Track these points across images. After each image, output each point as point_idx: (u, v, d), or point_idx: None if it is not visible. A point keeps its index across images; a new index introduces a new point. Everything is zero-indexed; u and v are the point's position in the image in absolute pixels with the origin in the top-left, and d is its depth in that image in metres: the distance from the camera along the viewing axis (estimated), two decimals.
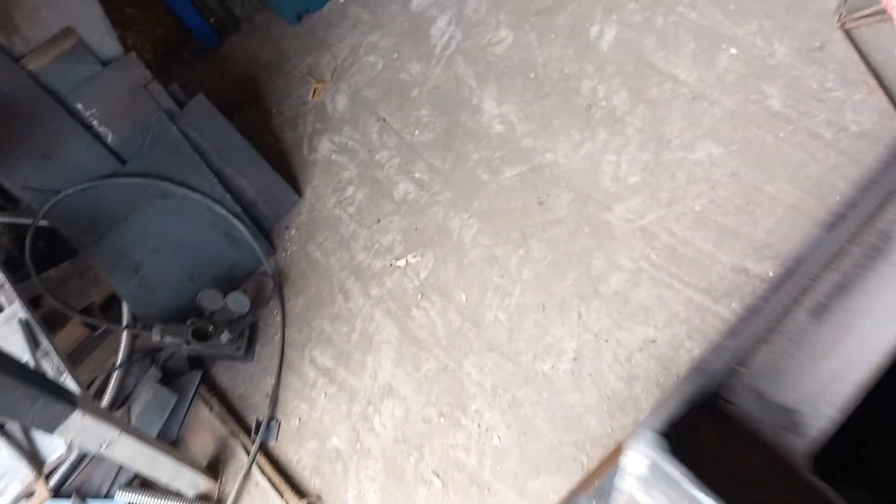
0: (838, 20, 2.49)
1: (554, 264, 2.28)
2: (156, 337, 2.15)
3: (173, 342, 2.15)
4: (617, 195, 2.36)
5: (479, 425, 2.10)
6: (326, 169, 2.62)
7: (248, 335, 2.26)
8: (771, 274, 2.15)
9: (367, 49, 2.85)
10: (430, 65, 2.74)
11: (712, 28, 2.60)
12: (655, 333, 2.13)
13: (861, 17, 2.46)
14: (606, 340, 2.15)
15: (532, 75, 2.63)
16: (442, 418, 2.12)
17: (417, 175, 2.53)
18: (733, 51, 2.55)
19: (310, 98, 2.79)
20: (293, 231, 2.54)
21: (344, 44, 2.88)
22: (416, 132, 2.61)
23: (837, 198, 2.22)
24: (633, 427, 2.02)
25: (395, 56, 2.80)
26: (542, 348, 2.17)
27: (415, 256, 2.38)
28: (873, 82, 2.35)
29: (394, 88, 2.72)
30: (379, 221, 2.47)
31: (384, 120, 2.66)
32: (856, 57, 2.42)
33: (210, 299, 2.20)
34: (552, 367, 2.14)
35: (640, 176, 2.37)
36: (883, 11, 2.36)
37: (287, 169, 2.62)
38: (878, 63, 2.40)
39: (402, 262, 2.38)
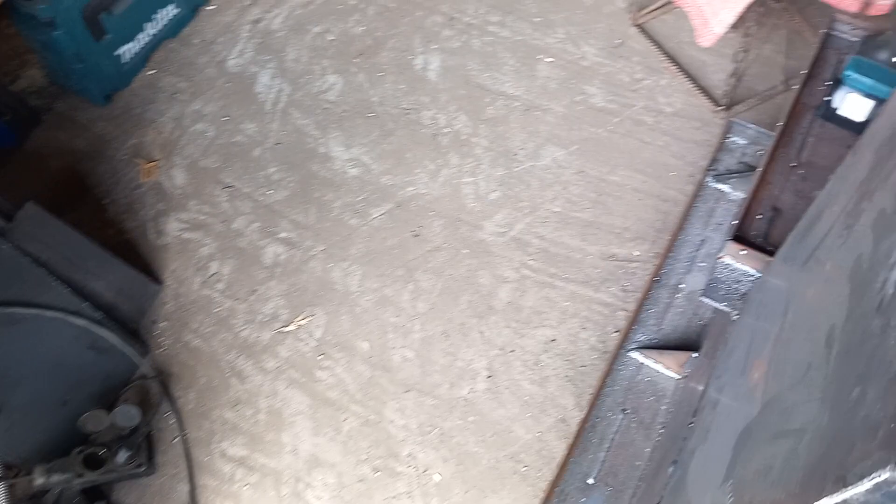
0: (630, 18, 2.78)
1: (445, 291, 2.31)
2: (39, 480, 1.89)
3: (62, 479, 1.90)
4: (483, 213, 2.44)
5: (415, 468, 2.07)
6: (181, 250, 2.46)
7: (145, 447, 2.05)
8: (636, 253, 2.34)
9: (192, 118, 2.72)
10: (265, 122, 2.67)
11: (525, 41, 2.79)
12: (553, 332, 2.24)
13: (648, 13, 2.76)
14: (512, 351, 2.22)
15: (372, 115, 2.66)
16: (377, 473, 2.07)
17: (283, 234, 2.45)
18: (549, 59, 2.75)
19: (142, 180, 2.60)
20: (163, 324, 2.35)
21: (166, 117, 2.73)
22: (270, 192, 2.53)
23: (672, 173, 2.47)
24: (557, 423, 2.11)
25: (226, 119, 2.70)
26: (455, 375, 2.19)
27: (303, 318, 2.30)
28: (673, 67, 2.65)
29: (233, 152, 2.62)
30: (255, 291, 2.36)
31: (232, 186, 2.55)
32: (653, 47, 2.72)
33: (94, 420, 1.98)
34: (470, 391, 2.17)
35: (499, 191, 2.48)
36: (667, 3, 2.67)
37: (139, 260, 2.43)
38: (672, 49, 2.71)
39: (291, 328, 2.30)
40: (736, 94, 2.54)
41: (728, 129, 2.09)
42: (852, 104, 1.45)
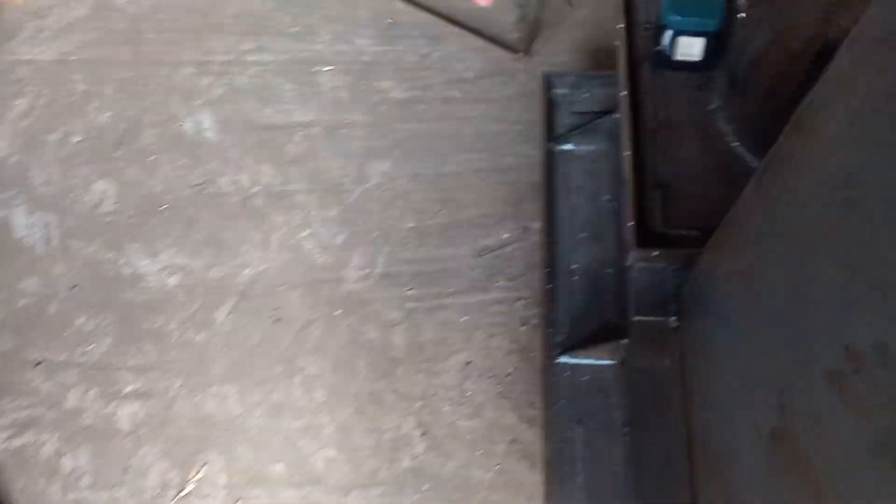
0: None
1: (337, 366, 2.06)
2: None
3: None
4: (337, 262, 2.18)
5: None
6: (19, 462, 2.01)
7: None
8: (505, 236, 2.19)
9: None
10: (46, 269, 2.21)
11: (293, 58, 2.48)
12: (465, 355, 2.07)
13: None
14: (434, 395, 2.03)
15: (164, 208, 2.27)
16: None
17: (129, 388, 2.06)
18: (327, 68, 2.46)
19: None
20: None
21: None
22: (90, 347, 2.11)
23: (502, 140, 2.31)
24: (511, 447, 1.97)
25: None
26: (389, 450, 1.97)
27: (197, 472, 1.97)
28: (456, 28, 2.46)
29: (25, 321, 2.15)
30: (128, 468, 1.99)
31: (42, 361, 2.10)
32: (424, 14, 2.50)
33: None
34: (412, 458, 1.97)
35: (343, 232, 2.22)
36: None
37: None
38: (447, 10, 2.51)
39: (189, 488, 1.96)
40: (529, 35, 2.40)
41: (547, 84, 1.95)
42: (685, 46, 1.33)
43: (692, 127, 1.31)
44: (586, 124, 1.84)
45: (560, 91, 1.94)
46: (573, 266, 1.78)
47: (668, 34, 1.32)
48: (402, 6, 2.53)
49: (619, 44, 1.41)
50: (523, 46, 2.37)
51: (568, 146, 1.89)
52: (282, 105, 2.41)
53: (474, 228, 2.20)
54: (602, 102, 1.96)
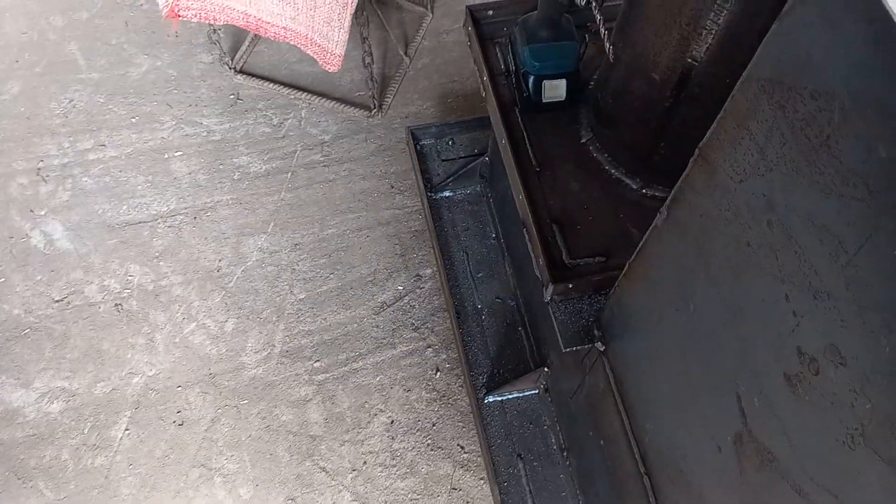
0: (230, 68, 2.49)
1: (257, 457, 1.97)
2: None
3: None
4: (232, 350, 2.10)
5: None
6: None
7: None
8: (400, 288, 2.21)
9: None
10: None
11: (139, 149, 2.36)
12: (386, 415, 2.05)
13: (243, 55, 2.50)
14: (364, 463, 2.00)
15: (27, 331, 2.07)
16: None
17: None
18: (178, 153, 2.37)
19: None
20: None
21: None
22: None
23: (374, 196, 2.34)
24: (451, 495, 1.98)
25: None
26: None
27: None
28: (303, 94, 2.46)
29: None
30: None
31: None
32: (268, 85, 2.49)
33: None
34: None
35: (231, 320, 2.13)
36: (255, 38, 2.43)
37: None
38: (289, 76, 2.51)
39: None
40: (378, 90, 2.45)
41: (413, 138, 2.01)
42: (551, 89, 1.43)
43: (571, 161, 1.42)
44: (459, 171, 1.91)
45: (426, 142, 2.00)
46: (479, 305, 1.83)
47: (532, 80, 1.41)
48: (243, 80, 2.49)
49: (486, 94, 1.49)
50: (375, 102, 2.42)
51: (446, 193, 1.95)
52: (137, 199, 2.28)
53: (368, 286, 2.20)
54: (467, 147, 2.04)
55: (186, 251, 2.22)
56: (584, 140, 1.45)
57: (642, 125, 1.28)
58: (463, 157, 2.03)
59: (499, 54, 1.55)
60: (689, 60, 1.12)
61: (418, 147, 2.01)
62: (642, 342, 1.09)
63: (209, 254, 2.22)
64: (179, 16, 2.05)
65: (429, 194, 1.97)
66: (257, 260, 2.22)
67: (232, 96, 2.48)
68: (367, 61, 2.24)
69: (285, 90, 2.47)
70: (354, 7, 1.94)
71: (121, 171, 2.32)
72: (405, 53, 2.57)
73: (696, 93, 1.15)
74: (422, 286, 2.20)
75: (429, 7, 2.67)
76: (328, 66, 2.07)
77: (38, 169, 2.30)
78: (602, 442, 1.33)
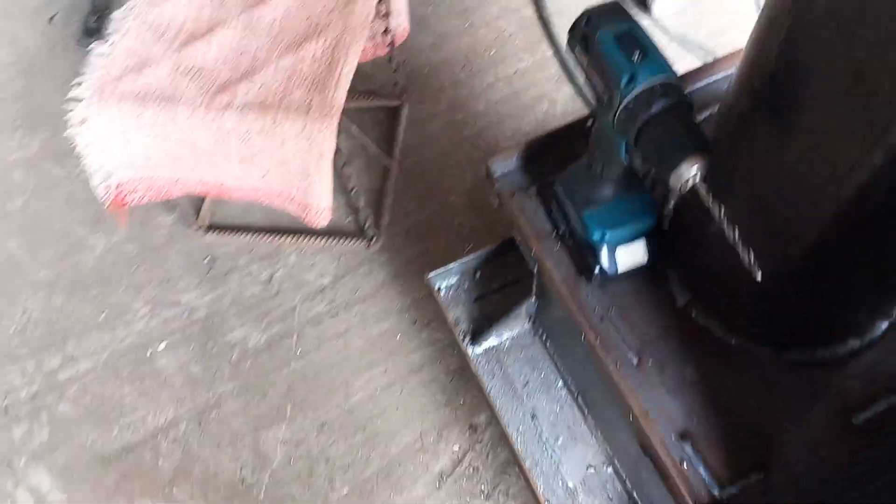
0: (196, 229, 2.14)
1: None
2: None
3: None
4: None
5: None
6: None
7: None
8: (456, 448, 1.87)
9: None
10: None
11: (115, 353, 2.02)
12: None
13: (208, 208, 2.16)
14: None
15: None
16: None
17: None
18: (162, 344, 2.03)
19: None
20: None
21: None
22: None
23: (398, 339, 1.99)
24: None
25: None
26: None
27: None
28: (287, 238, 2.11)
29: None
30: None
31: None
32: (245, 236, 2.14)
33: None
34: None
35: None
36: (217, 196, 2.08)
37: None
38: (268, 221, 2.16)
39: None
40: (373, 221, 2.10)
41: (436, 287, 1.67)
42: (627, 256, 1.09)
43: (675, 337, 1.08)
44: (500, 315, 1.58)
45: (451, 285, 1.66)
46: (569, 484, 1.49)
47: (602, 251, 1.07)
48: (214, 237, 2.15)
49: (540, 268, 1.15)
50: (371, 230, 2.07)
51: (491, 342, 1.61)
52: (128, 416, 1.93)
53: (418, 456, 1.86)
54: (499, 276, 1.71)
55: (200, 467, 1.86)
56: (681, 304, 1.11)
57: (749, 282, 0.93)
58: (496, 292, 1.69)
59: (541, 208, 1.21)
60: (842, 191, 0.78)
61: (444, 293, 1.67)
62: None
63: (226, 463, 1.87)
64: (125, 203, 1.71)
65: (472, 348, 1.62)
66: (283, 457, 1.87)
67: (207, 259, 2.13)
68: (352, 189, 1.91)
69: (266, 237, 2.12)
70: (332, 152, 1.59)
71: (101, 386, 1.97)
72: (389, 154, 2.23)
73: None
74: (480, 438, 1.86)
75: (401, 96, 2.33)
76: (315, 223, 1.73)
77: (5, 408, 1.94)
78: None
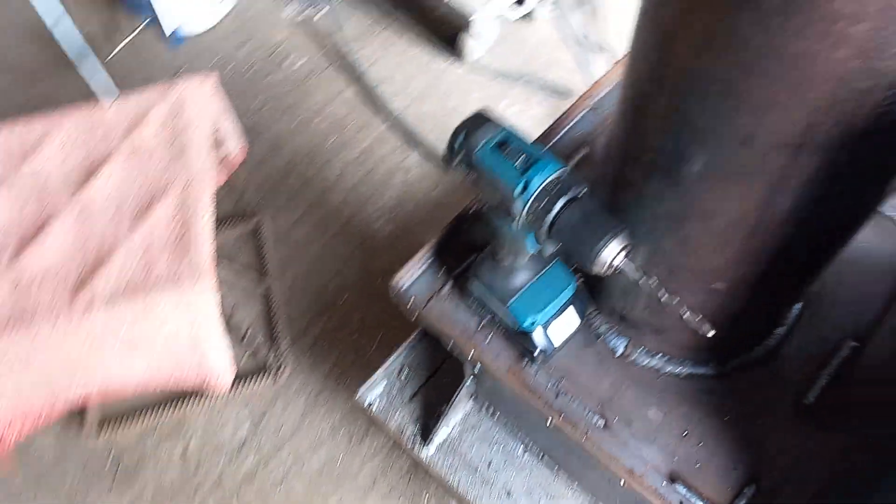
0: (88, 433, 1.94)
1: None
2: None
3: None
4: None
5: None
6: None
7: None
8: None
9: None
10: None
11: None
12: None
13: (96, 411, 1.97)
14: None
15: None
16: None
17: None
18: None
19: None
20: None
21: None
22: None
23: (350, 432, 1.91)
24: None
25: None
26: None
27: None
28: (174, 410, 1.97)
29: None
30: None
31: None
32: (141, 420, 1.96)
33: None
34: None
35: None
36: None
37: None
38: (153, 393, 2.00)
39: None
40: (272, 351, 2.01)
41: (366, 404, 1.62)
42: (561, 329, 1.11)
43: (625, 387, 1.11)
44: (443, 408, 1.56)
45: (381, 395, 1.62)
46: None
47: (538, 334, 1.09)
48: (109, 434, 1.95)
49: (488, 369, 1.15)
50: (274, 362, 1.98)
51: (440, 435, 1.59)
52: None
53: None
54: (425, 364, 1.69)
55: None
56: (622, 352, 1.15)
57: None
58: (428, 382, 1.67)
59: (460, 305, 1.20)
60: None
61: (376, 405, 1.62)
62: None
63: None
64: (4, 446, 1.53)
65: (424, 450, 1.59)
66: None
67: (110, 460, 1.93)
68: (246, 331, 1.81)
69: (166, 412, 1.97)
70: (218, 310, 1.51)
71: None
72: (264, 277, 2.15)
73: None
74: None
75: (256, 214, 2.26)
76: (219, 389, 1.63)
77: None
78: None
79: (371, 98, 2.56)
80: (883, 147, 0.70)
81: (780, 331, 1.13)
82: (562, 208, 0.85)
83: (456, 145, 0.93)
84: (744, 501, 1.02)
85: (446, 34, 2.72)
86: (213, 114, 1.76)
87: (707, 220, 0.84)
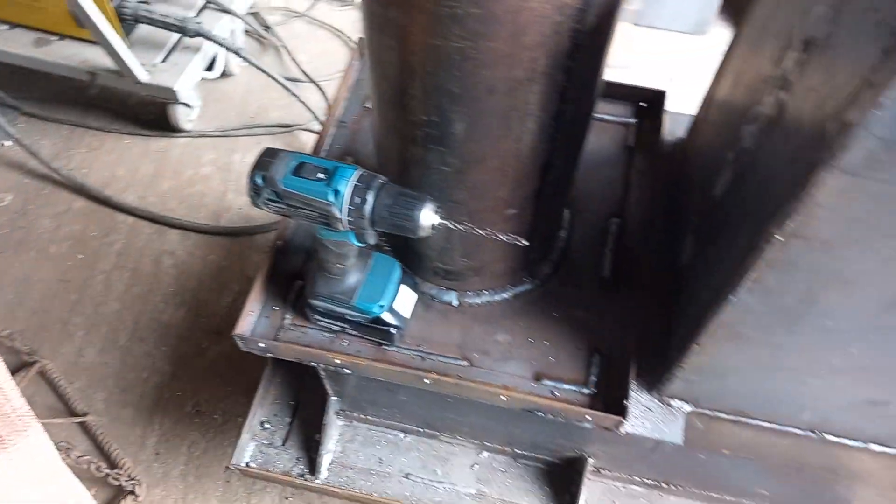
0: None
1: None
2: None
3: None
4: None
5: None
6: None
7: None
8: None
9: None
10: None
11: None
12: None
13: None
14: None
15: None
16: None
17: None
18: None
19: None
20: None
21: None
22: None
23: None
24: None
25: None
26: None
27: None
28: None
29: None
30: None
31: None
32: None
33: None
34: None
35: None
36: None
37: None
38: None
39: None
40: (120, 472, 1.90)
41: (243, 468, 1.64)
42: (405, 304, 1.26)
43: (472, 325, 1.30)
44: (315, 433, 1.63)
45: (249, 455, 1.65)
46: (472, 491, 1.66)
47: (388, 316, 1.23)
48: None
49: (360, 367, 1.26)
50: (128, 481, 1.88)
51: (326, 461, 1.66)
52: None
53: None
54: (282, 411, 1.74)
55: None
56: (456, 304, 1.34)
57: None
58: (292, 424, 1.73)
59: (306, 327, 1.30)
60: None
61: (254, 463, 1.65)
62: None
63: None
64: None
65: (317, 480, 1.65)
66: None
67: None
68: (90, 468, 1.71)
69: None
70: (55, 453, 1.42)
71: None
72: (71, 411, 2.00)
73: None
74: None
75: (32, 355, 2.08)
76: None
77: None
78: None
79: (102, 202, 2.47)
80: (584, 60, 0.95)
81: (563, 233, 1.40)
82: (374, 199, 1.00)
83: (259, 184, 1.03)
84: (595, 369, 1.26)
85: (153, 115, 2.70)
86: None
87: (483, 164, 1.05)
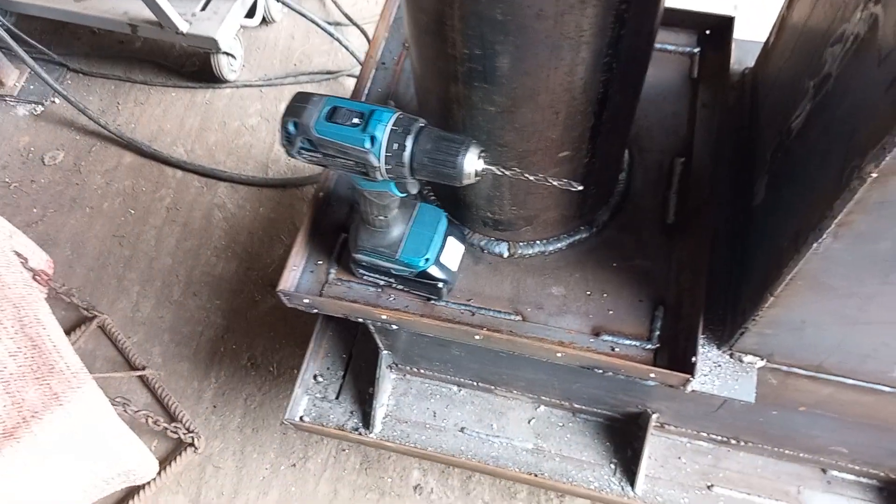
0: None
1: None
2: None
3: None
4: None
5: None
6: None
7: None
8: None
9: None
10: None
11: None
12: None
13: None
14: None
15: None
16: None
17: None
18: None
19: None
20: None
21: None
22: None
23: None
24: None
25: None
26: None
27: None
28: None
29: None
30: None
31: None
32: None
33: None
34: None
35: None
36: None
37: None
38: None
39: None
40: (179, 423, 1.92)
41: (297, 422, 1.62)
42: (452, 256, 1.19)
43: (522, 279, 1.22)
44: (369, 387, 1.60)
45: (303, 409, 1.63)
46: (528, 446, 1.61)
47: (435, 269, 1.16)
48: None
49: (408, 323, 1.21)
50: (187, 433, 1.90)
51: (379, 414, 1.64)
52: None
53: None
54: (336, 366, 1.71)
55: None
56: (507, 255, 1.26)
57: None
58: (345, 375, 1.70)
59: (352, 282, 1.24)
60: None
61: (308, 418, 1.63)
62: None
63: None
64: None
65: (372, 434, 1.62)
66: None
67: None
68: (148, 422, 1.73)
69: None
70: (110, 408, 1.43)
71: None
72: (130, 365, 2.03)
73: None
74: (430, 488, 1.88)
75: (91, 310, 2.11)
76: (147, 476, 1.56)
77: None
78: None
79: (151, 157, 2.46)
80: None
81: (623, 175, 1.29)
82: (413, 144, 0.92)
83: (291, 131, 0.96)
84: (659, 322, 1.17)
85: (195, 66, 2.65)
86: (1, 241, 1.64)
87: (532, 101, 0.95)
